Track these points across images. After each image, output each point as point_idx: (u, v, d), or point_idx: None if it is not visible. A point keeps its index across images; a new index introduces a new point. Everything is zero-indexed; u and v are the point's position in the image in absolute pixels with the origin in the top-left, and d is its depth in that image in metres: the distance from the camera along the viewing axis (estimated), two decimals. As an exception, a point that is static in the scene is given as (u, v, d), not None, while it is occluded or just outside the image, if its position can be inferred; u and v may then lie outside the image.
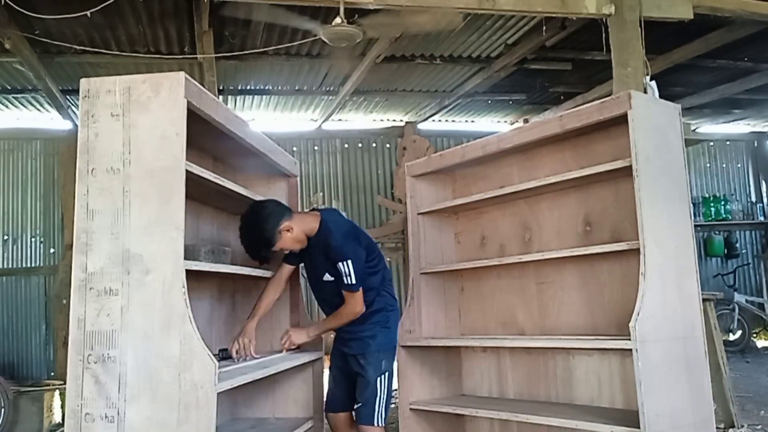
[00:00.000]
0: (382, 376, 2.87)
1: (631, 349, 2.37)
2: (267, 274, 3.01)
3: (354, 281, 2.76)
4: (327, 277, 2.87)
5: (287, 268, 3.06)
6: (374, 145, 8.33)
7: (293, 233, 2.79)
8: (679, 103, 2.84)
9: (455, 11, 4.62)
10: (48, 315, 7.01)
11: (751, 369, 6.71)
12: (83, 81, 2.17)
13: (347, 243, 2.79)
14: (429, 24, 4.70)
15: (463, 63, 6.26)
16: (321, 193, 8.02)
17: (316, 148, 8.15)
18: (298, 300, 3.25)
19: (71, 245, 2.15)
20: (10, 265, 7.08)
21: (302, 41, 5.24)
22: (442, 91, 7.16)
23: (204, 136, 2.56)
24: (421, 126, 8.33)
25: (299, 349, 3.04)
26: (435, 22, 4.68)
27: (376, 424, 2.82)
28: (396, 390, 3.14)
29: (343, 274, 2.76)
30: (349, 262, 2.74)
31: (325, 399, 3.14)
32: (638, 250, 2.48)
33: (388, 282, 3.07)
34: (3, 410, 4.79)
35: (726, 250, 9.01)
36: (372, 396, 2.84)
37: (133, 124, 2.10)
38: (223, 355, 2.82)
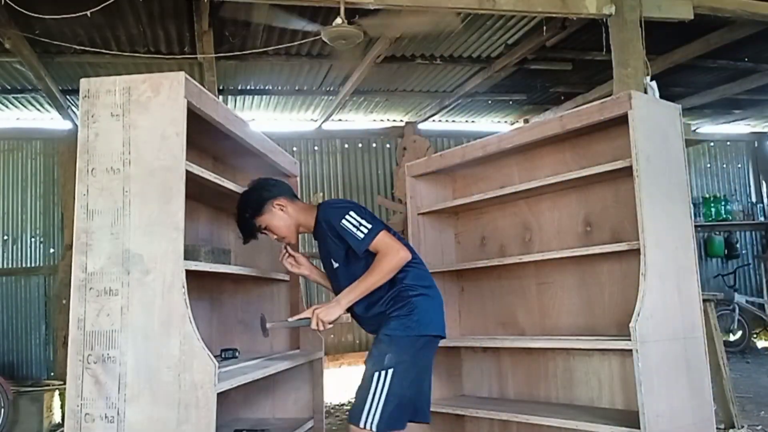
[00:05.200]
0: (382, 372, 2.31)
1: (631, 350, 2.38)
2: (267, 274, 3.01)
3: (369, 226, 2.35)
4: (333, 264, 2.50)
5: None
6: (374, 145, 8.33)
7: (286, 212, 2.54)
8: (679, 104, 2.84)
9: (454, 13, 4.64)
10: (48, 315, 7.01)
11: (751, 369, 6.70)
12: (83, 81, 2.17)
13: (340, 201, 2.48)
14: (428, 25, 4.72)
15: (464, 63, 6.26)
16: (321, 193, 8.01)
17: (316, 148, 8.15)
18: (298, 300, 3.25)
19: (71, 245, 2.15)
20: (10, 265, 7.07)
21: (302, 41, 5.24)
22: (443, 91, 7.16)
23: (204, 136, 2.56)
24: (422, 126, 8.32)
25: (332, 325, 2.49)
26: (433, 23, 4.69)
27: (363, 425, 2.27)
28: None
29: (351, 231, 2.34)
30: (351, 213, 2.38)
31: None
32: (638, 250, 2.48)
33: (415, 257, 2.50)
34: (3, 410, 4.79)
35: (726, 251, 9.01)
36: (363, 391, 2.32)
37: (133, 124, 2.10)
38: (225, 356, 2.82)
